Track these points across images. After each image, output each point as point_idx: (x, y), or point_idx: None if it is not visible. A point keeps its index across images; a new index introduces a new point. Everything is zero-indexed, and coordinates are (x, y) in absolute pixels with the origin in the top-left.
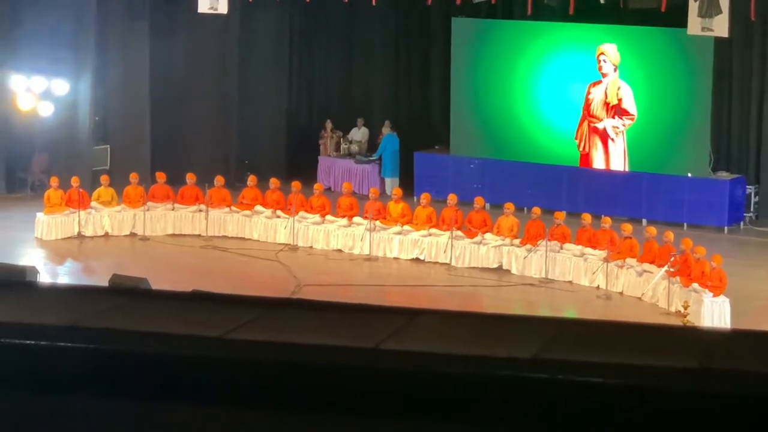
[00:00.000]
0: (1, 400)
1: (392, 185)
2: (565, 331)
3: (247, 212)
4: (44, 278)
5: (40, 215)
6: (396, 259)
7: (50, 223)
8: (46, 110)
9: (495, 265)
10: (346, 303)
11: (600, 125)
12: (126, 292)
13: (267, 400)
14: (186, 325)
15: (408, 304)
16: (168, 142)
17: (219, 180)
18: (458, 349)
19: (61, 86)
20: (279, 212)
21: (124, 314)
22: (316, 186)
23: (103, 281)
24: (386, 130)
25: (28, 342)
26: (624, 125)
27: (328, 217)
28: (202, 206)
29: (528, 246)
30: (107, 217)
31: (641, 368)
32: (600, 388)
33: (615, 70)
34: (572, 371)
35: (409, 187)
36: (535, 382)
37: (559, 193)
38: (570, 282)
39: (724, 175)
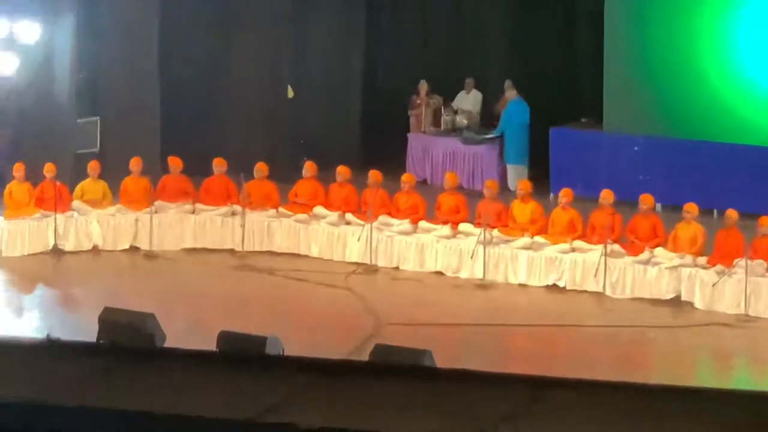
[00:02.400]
0: None
1: (518, 176)
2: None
3: (303, 216)
4: (3, 315)
5: None
6: (523, 286)
7: (13, 231)
8: (9, 65)
9: (670, 296)
10: (439, 368)
11: None
12: (116, 352)
13: None
14: (207, 403)
15: (541, 354)
16: (186, 113)
17: (261, 168)
18: None
19: (29, 31)
20: (349, 216)
21: (115, 384)
22: (404, 178)
23: (91, 319)
24: (510, 94)
25: None
26: None
27: (422, 223)
28: (237, 207)
29: (719, 267)
30: (96, 223)
31: None
32: None
33: None
34: None
35: (542, 180)
36: None
37: None
38: None
39: None
